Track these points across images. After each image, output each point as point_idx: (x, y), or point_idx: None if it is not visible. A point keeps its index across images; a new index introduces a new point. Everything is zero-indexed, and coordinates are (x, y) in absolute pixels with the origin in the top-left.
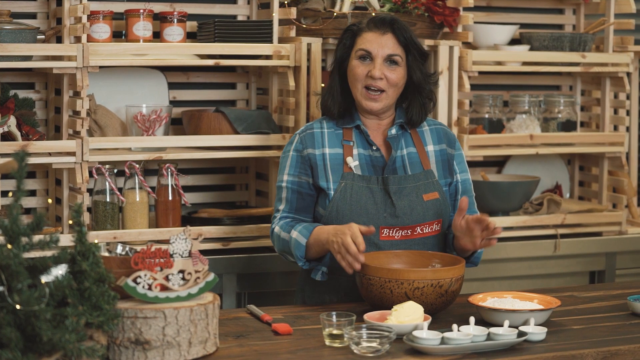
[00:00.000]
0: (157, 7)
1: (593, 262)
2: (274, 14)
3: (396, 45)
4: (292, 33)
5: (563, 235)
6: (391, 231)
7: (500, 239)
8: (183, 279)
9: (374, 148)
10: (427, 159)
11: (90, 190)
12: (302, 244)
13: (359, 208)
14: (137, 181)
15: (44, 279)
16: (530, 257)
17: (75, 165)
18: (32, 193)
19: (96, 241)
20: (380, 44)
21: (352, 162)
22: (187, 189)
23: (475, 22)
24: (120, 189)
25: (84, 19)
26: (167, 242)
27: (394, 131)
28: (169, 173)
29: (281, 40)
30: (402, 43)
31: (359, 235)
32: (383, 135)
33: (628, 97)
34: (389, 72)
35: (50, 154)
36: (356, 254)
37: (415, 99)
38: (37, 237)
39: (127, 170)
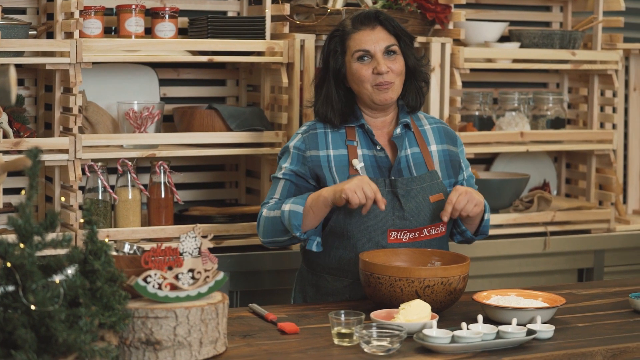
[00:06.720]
0: (149, 3)
1: (582, 259)
2: (266, 10)
3: (388, 36)
4: (285, 29)
5: (553, 233)
6: (399, 234)
7: (490, 237)
8: (193, 278)
9: (378, 148)
10: (430, 160)
11: (82, 188)
12: (300, 212)
13: (368, 211)
14: (129, 179)
15: (57, 278)
16: (520, 254)
17: (67, 162)
18: (19, 191)
19: (107, 240)
20: (375, 40)
21: (358, 164)
22: (177, 186)
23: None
24: (112, 187)
25: (77, 14)
26: (162, 240)
27: (398, 130)
28: (162, 171)
29: (274, 36)
30: (392, 32)
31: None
32: (387, 135)
33: (615, 95)
34: (391, 63)
35: (42, 151)
36: (377, 191)
37: (412, 84)
38: (49, 237)
39: (119, 167)
